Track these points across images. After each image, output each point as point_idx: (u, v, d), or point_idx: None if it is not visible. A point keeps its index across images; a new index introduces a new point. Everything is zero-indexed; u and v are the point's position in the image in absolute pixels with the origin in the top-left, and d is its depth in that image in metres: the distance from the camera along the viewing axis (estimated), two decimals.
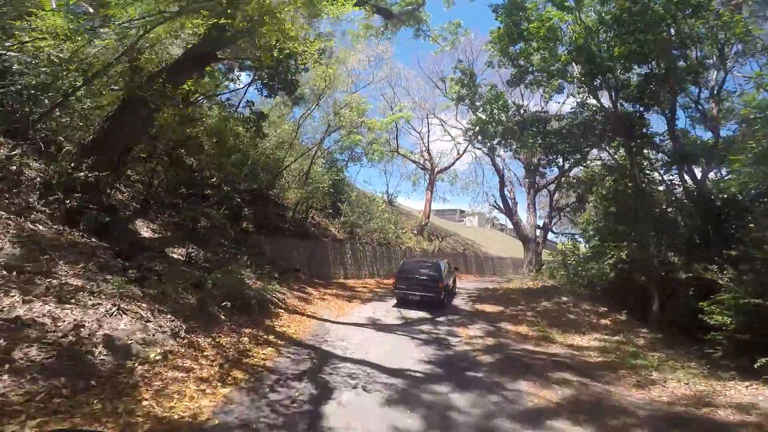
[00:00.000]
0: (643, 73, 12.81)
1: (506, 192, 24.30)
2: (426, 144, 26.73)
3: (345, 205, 19.03)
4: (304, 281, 14.06)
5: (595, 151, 16.97)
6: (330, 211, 19.00)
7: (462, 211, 48.66)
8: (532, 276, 20.32)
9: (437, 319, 10.69)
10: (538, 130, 14.93)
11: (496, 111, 15.39)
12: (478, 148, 25.33)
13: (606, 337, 10.28)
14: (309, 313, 9.19)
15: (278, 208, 17.38)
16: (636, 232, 12.47)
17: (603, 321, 11.78)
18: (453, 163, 27.38)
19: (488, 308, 12.90)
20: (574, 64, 13.34)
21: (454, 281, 15.04)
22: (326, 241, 17.15)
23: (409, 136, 32.61)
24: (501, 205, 24.06)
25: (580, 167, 18.42)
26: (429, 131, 26.53)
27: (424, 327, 9.54)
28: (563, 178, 17.72)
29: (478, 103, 16.19)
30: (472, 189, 28.88)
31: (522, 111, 15.64)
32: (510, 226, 50.37)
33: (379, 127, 23.23)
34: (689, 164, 11.44)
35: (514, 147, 16.88)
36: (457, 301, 13.83)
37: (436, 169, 26.42)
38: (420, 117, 27.79)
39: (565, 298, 13.35)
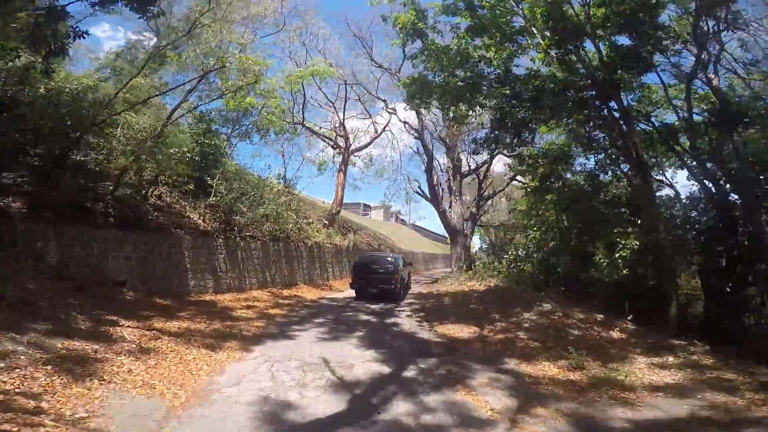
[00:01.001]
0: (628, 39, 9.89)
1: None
2: (341, 117, 21.13)
3: (218, 179, 12.15)
4: (127, 305, 7.30)
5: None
6: (191, 187, 11.92)
7: (366, 205, 44.33)
8: (468, 275, 16.69)
9: (406, 374, 5.38)
10: (503, 90, 10.85)
11: (450, 61, 10.90)
12: (403, 122, 20.92)
13: (655, 360, 6.88)
14: None
15: (89, 178, 9.70)
16: (642, 217, 9.40)
17: (615, 334, 8.38)
18: (370, 142, 22.42)
19: (458, 331, 8.16)
20: (534, 29, 9.95)
21: (409, 275, 15.20)
22: (180, 234, 10.18)
23: (318, 111, 26.27)
24: (426, 191, 20.12)
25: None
26: (346, 102, 20.83)
27: (400, 409, 4.15)
28: (520, 154, 14.12)
29: (434, 44, 11.34)
30: (388, 176, 24.35)
31: (486, 64, 11.33)
32: (410, 219, 48.26)
33: (279, 90, 16.75)
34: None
35: (463, 110, 12.66)
36: (409, 324, 8.72)
37: (351, 148, 21.05)
38: (335, 86, 22.12)
39: (547, 306, 9.54)
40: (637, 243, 8.58)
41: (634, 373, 5.98)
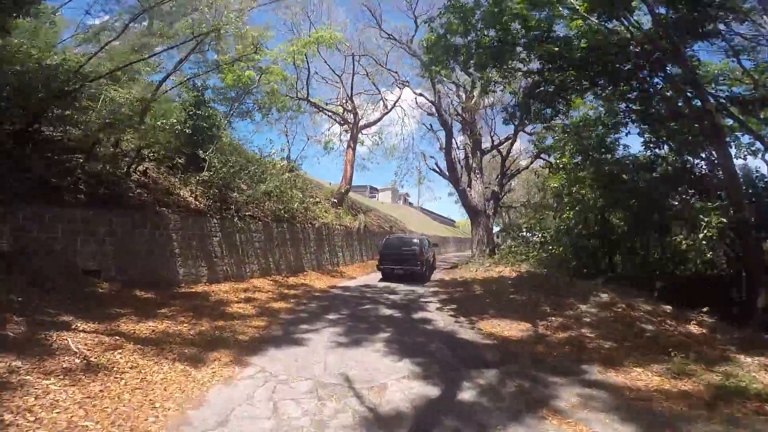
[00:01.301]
0: None
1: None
2: (348, 92, 19.18)
3: (211, 152, 10.53)
4: (95, 301, 5.79)
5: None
6: (181, 161, 10.32)
7: (373, 188, 42.56)
8: (493, 259, 15.10)
9: (462, 397, 3.83)
10: (548, 47, 9.03)
11: (482, 17, 9.19)
12: (418, 94, 19.04)
13: (764, 360, 5.23)
14: None
15: (56, 151, 8.13)
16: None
17: (693, 329, 6.85)
18: (380, 118, 20.58)
19: (506, 329, 6.59)
20: None
21: (434, 256, 15.15)
22: (166, 213, 8.61)
23: (323, 89, 24.25)
24: (442, 169, 18.36)
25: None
26: (353, 76, 18.91)
27: None
28: (552, 126, 12.26)
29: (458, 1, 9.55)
30: (399, 155, 22.71)
31: (521, 23, 9.50)
32: (419, 202, 46.48)
33: (281, 63, 15.37)
34: None
35: (494, 76, 10.92)
36: (443, 320, 7.14)
37: (360, 123, 19.21)
38: (341, 60, 20.35)
39: (604, 296, 7.96)
40: (724, 220, 6.87)
41: (757, 379, 4.44)
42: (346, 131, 20.25)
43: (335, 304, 7.94)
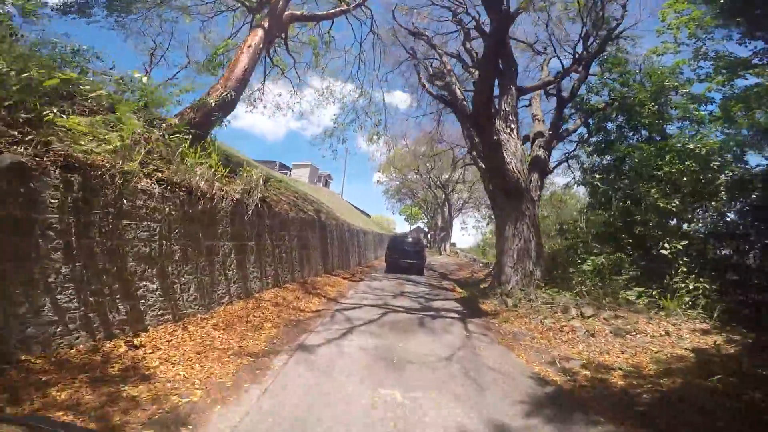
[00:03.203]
0: None
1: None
2: None
3: None
4: None
5: None
6: None
7: (284, 165, 30.75)
8: (571, 296, 6.60)
9: None
10: None
11: None
12: None
13: None
14: None
15: None
16: None
17: None
18: (335, 14, 10.16)
19: None
20: None
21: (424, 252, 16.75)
22: None
23: None
24: (462, 94, 9.41)
25: None
26: None
27: None
28: None
29: None
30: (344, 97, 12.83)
31: None
32: (342, 186, 36.30)
33: None
34: None
35: None
36: None
37: (296, 12, 8.83)
38: None
39: None
40: None
41: None
42: (257, 24, 9.59)
43: None
